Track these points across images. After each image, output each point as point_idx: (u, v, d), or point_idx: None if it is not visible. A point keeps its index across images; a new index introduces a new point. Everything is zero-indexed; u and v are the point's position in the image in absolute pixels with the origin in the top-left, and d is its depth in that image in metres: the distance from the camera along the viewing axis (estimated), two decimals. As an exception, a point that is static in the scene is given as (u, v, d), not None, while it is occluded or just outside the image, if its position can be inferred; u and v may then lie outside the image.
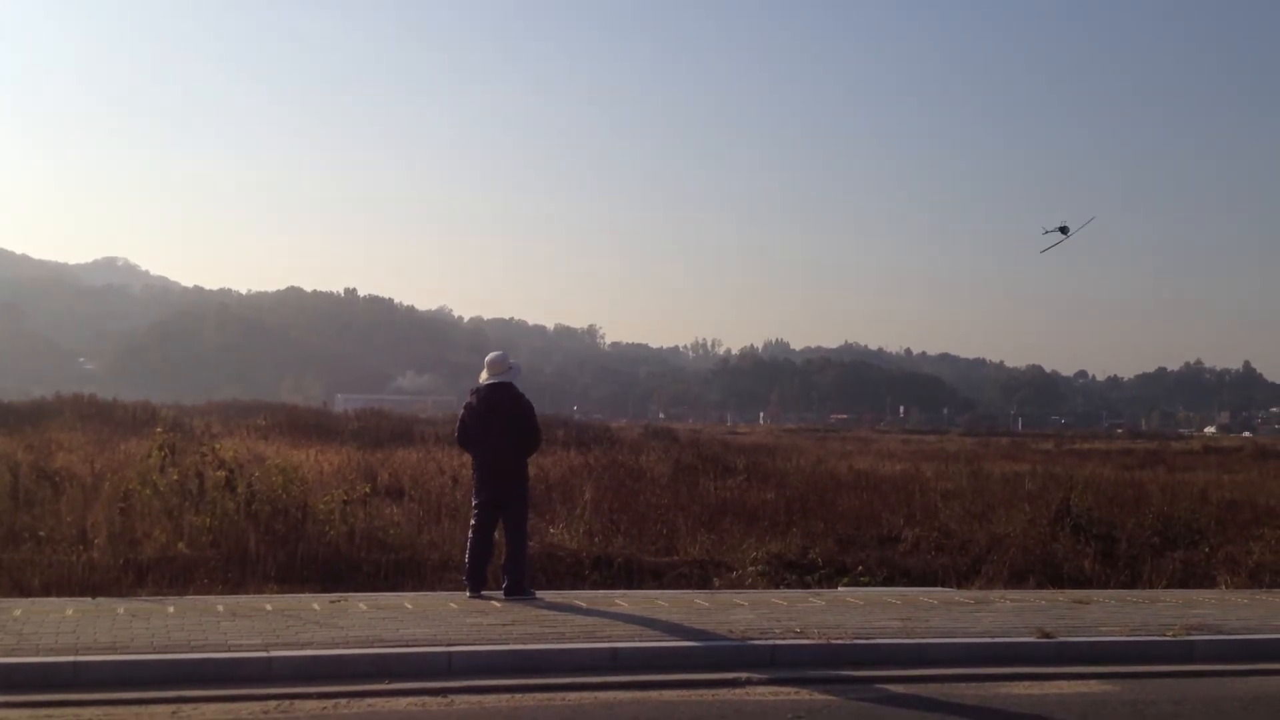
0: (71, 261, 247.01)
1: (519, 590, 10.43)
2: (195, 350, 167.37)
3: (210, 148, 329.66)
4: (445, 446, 24.05)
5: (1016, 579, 13.34)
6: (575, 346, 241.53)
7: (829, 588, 12.37)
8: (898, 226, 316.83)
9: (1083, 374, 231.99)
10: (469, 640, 8.45)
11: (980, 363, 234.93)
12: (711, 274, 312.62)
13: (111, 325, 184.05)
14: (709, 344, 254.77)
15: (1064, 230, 18.87)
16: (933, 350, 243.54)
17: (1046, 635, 9.32)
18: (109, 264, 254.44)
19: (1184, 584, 13.55)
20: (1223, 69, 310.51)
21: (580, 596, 10.79)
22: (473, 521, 10.72)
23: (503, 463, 10.57)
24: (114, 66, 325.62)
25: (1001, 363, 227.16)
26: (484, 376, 10.75)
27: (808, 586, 12.50)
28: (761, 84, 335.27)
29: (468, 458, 11.22)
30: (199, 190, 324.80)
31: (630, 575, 12.78)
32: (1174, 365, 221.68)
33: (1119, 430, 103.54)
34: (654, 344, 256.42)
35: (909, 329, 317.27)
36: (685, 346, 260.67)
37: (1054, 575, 13.68)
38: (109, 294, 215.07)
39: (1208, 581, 13.71)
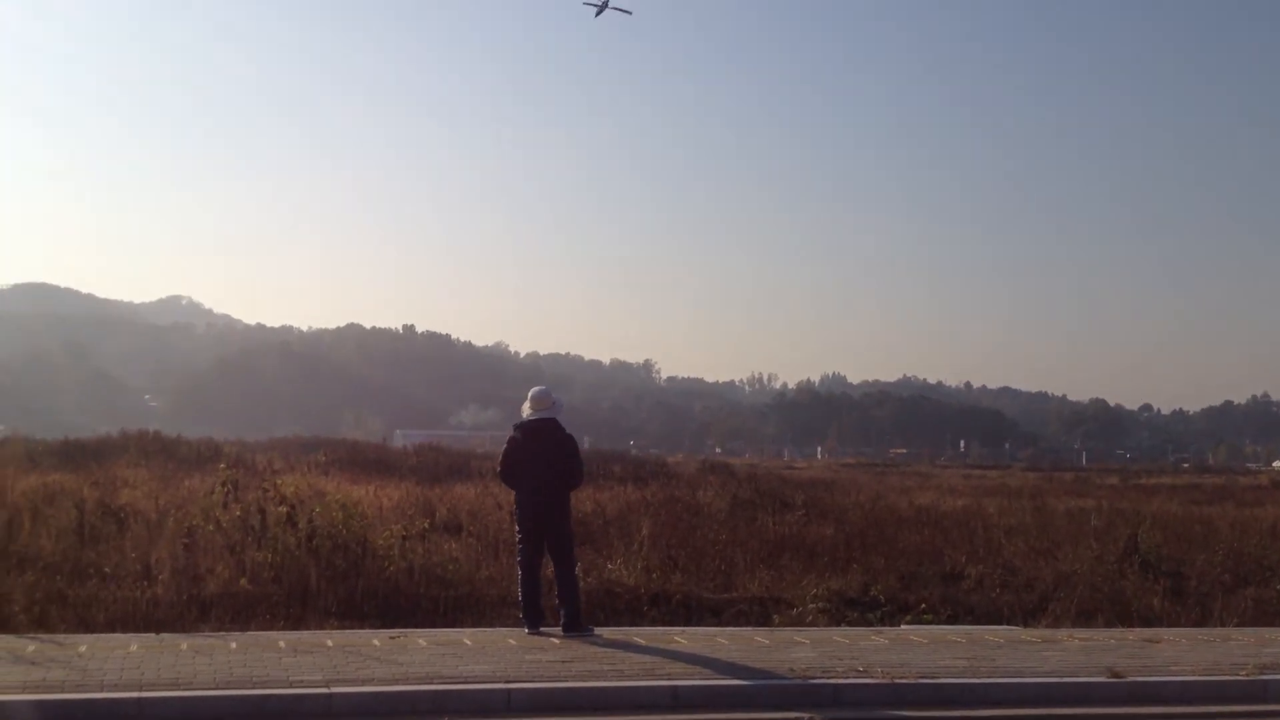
0: (137, 300, 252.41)
1: (577, 626, 10.38)
2: (257, 387, 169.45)
3: (271, 189, 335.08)
4: (501, 483, 24.07)
5: (1084, 617, 13.11)
6: (631, 381, 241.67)
7: (891, 625, 12.21)
8: (957, 259, 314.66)
9: (1147, 407, 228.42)
10: (528, 677, 8.41)
11: (1042, 396, 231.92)
12: (767, 308, 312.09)
13: (176, 363, 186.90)
14: (765, 378, 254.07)
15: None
16: (993, 384, 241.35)
17: (1117, 675, 9.12)
18: (174, 303, 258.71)
19: (1256, 622, 13.24)
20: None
21: (639, 633, 10.72)
22: (519, 558, 10.70)
23: (546, 498, 10.53)
24: (176, 111, 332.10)
25: (1064, 396, 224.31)
26: (527, 411, 10.72)
27: (870, 624, 12.35)
28: (828, 118, 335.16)
29: (514, 493, 11.15)
30: (261, 230, 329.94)
31: (689, 612, 12.71)
32: (1241, 398, 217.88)
33: (1185, 465, 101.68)
34: (710, 378, 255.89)
35: (969, 362, 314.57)
36: (741, 380, 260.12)
37: (1122, 613, 13.41)
38: (174, 332, 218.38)
39: (1281, 619, 13.39)
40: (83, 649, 9.07)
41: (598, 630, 10.61)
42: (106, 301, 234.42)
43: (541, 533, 10.56)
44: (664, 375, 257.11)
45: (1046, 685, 8.90)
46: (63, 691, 7.60)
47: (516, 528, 10.83)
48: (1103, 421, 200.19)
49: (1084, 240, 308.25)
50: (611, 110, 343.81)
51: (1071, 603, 13.53)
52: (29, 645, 9.15)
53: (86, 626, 10.60)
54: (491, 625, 11.32)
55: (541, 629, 10.45)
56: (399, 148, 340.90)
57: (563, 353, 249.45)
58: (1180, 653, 10.38)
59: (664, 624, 11.91)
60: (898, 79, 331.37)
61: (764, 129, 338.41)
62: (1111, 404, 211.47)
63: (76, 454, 32.28)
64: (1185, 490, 38.55)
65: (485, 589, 12.83)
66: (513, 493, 10.98)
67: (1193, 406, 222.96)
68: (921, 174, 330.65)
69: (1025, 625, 12.52)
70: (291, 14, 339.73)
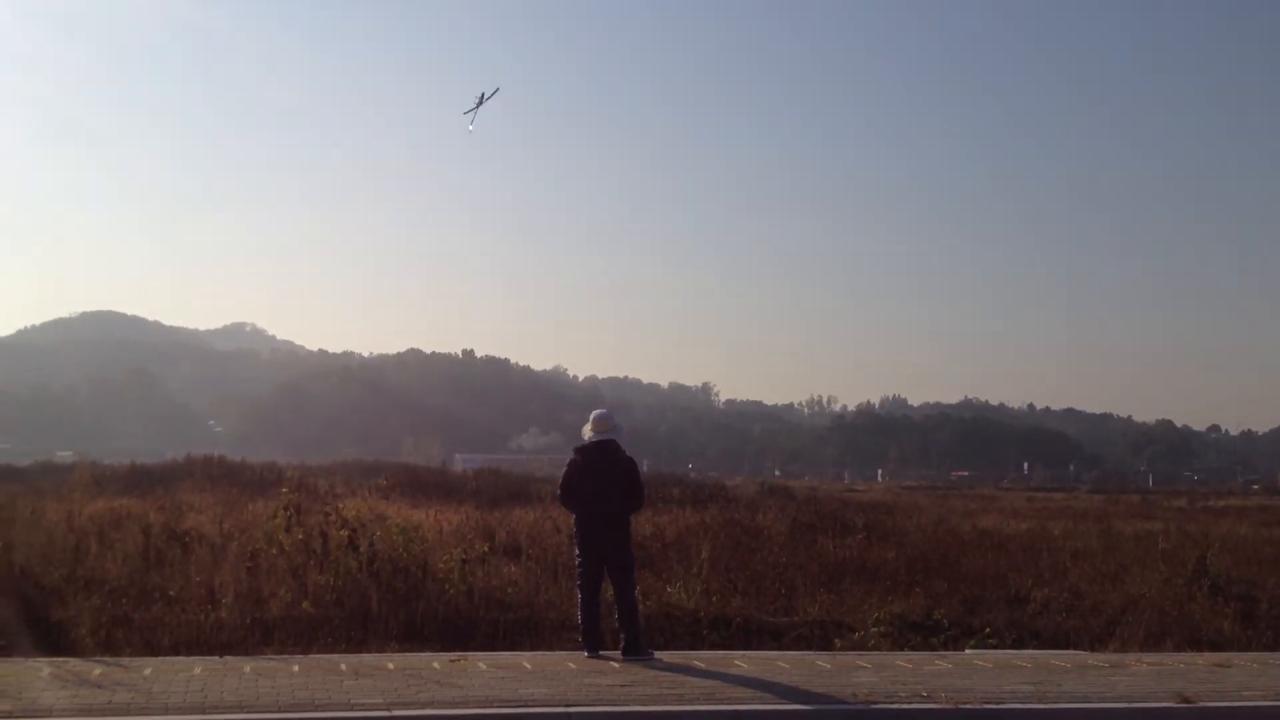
0: (202, 328, 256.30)
1: (637, 650, 10.34)
2: (319, 412, 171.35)
3: (333, 218, 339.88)
4: (559, 505, 24.11)
5: (1152, 641, 12.86)
6: (690, 404, 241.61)
7: (955, 650, 12.05)
8: (1018, 280, 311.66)
9: (1215, 428, 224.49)
10: (588, 700, 8.38)
11: (1107, 418, 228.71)
12: (826, 330, 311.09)
13: (240, 388, 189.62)
14: (824, 400, 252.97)
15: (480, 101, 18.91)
16: (1057, 405, 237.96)
17: (1186, 700, 8.93)
18: (238, 329, 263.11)
19: (1331, 646, 12.92)
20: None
21: (699, 657, 10.66)
22: (578, 581, 10.67)
23: (606, 521, 10.50)
24: (243, 144, 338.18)
25: (1130, 417, 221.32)
26: (588, 433, 10.72)
27: (933, 649, 12.19)
28: (879, 140, 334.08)
29: (574, 516, 11.11)
30: (323, 257, 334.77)
31: (748, 635, 12.62)
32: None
33: (1255, 486, 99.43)
34: (769, 401, 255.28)
35: (1031, 383, 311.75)
36: (800, 403, 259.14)
37: (1192, 637, 13.15)
38: (238, 358, 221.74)
39: (1355, 643, 13.07)
40: (148, 672, 9.17)
41: (657, 654, 10.56)
42: (172, 329, 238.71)
43: (602, 556, 10.53)
44: (723, 398, 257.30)
45: (1114, 711, 8.73)
46: (128, 714, 7.69)
47: (576, 550, 10.81)
48: (1170, 443, 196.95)
49: (1149, 259, 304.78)
50: (665, 135, 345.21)
51: (1139, 627, 13.28)
52: (95, 668, 9.27)
53: (151, 649, 10.72)
54: (551, 649, 11.30)
55: (601, 653, 10.41)
56: (457, 176, 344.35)
57: (621, 376, 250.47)
58: (1251, 677, 10.15)
59: (724, 648, 11.83)
60: (955, 101, 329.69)
61: (820, 152, 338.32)
62: (1179, 425, 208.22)
63: (142, 479, 32.80)
64: (1255, 512, 37.87)
65: (545, 612, 12.83)
66: (573, 515, 10.95)
67: (1262, 427, 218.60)
68: (983, 196, 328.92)
69: (1092, 650, 12.30)
70: (341, 49, 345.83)
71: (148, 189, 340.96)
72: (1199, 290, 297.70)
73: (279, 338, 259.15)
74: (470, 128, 20.22)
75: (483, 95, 19.48)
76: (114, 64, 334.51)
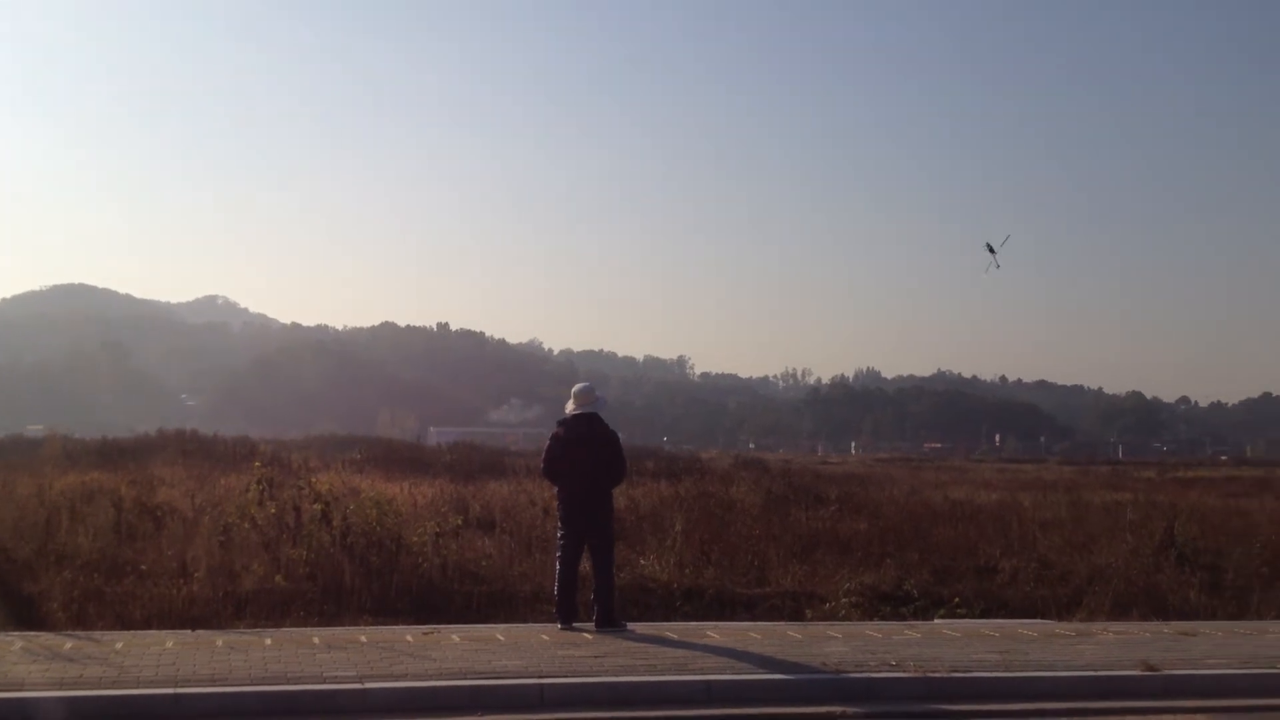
0: (174, 301, 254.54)
1: (610, 622, 10.41)
2: (293, 386, 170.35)
3: (306, 190, 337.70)
4: (536, 478, 24.12)
5: (1119, 611, 13.00)
6: (665, 377, 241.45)
7: (924, 620, 12.16)
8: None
9: (1185, 400, 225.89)
10: (561, 672, 8.44)
11: (1078, 390, 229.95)
12: (801, 303, 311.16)
13: (212, 362, 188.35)
14: (799, 373, 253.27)
15: (991, 249, 19.26)
16: (1029, 378, 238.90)
17: (1152, 668, 9.05)
18: (210, 303, 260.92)
19: (1295, 615, 13.10)
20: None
21: (672, 628, 10.73)
22: (559, 553, 10.71)
23: (589, 494, 10.55)
24: (211, 114, 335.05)
25: (1100, 389, 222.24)
26: (570, 407, 10.76)
27: (903, 618, 12.30)
28: (858, 114, 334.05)
29: (556, 489, 11.18)
30: (296, 229, 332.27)
31: (721, 607, 12.70)
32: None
33: (1223, 458, 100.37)
34: (743, 374, 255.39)
35: (1004, 356, 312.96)
36: (775, 376, 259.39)
37: (1158, 607, 13.29)
38: (210, 332, 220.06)
39: (1319, 612, 13.25)
40: (119, 645, 9.17)
41: (630, 625, 10.63)
42: (144, 302, 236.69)
43: (583, 528, 10.58)
44: (698, 371, 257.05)
45: (1080, 679, 8.85)
46: (99, 688, 7.69)
47: (559, 523, 10.85)
48: (1139, 415, 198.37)
49: (1119, 232, 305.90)
50: (642, 107, 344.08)
51: (1106, 596, 13.43)
52: (67, 642, 9.27)
53: (123, 623, 10.71)
54: (525, 621, 11.36)
55: (574, 625, 10.48)
56: (430, 148, 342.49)
57: (596, 349, 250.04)
58: (1216, 646, 10.29)
59: (697, 619, 11.91)
60: (928, 73, 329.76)
61: (795, 125, 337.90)
62: (1148, 397, 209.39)
63: (114, 453, 32.67)
64: (1223, 483, 38.19)
65: (518, 585, 12.88)
66: (554, 488, 11.00)
67: (1231, 399, 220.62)
68: (954, 167, 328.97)
69: (1060, 619, 12.43)
70: (318, 18, 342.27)
71: (117, 161, 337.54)
72: (1170, 264, 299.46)
73: (251, 310, 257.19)
74: (995, 268, 21.21)
75: (1003, 241, 20.23)
76: (82, 34, 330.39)
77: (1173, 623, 12.06)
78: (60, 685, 7.71)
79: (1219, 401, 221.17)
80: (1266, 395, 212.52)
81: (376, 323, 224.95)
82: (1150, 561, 14.90)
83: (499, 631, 10.28)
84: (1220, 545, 15.99)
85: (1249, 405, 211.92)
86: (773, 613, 12.60)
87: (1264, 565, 14.94)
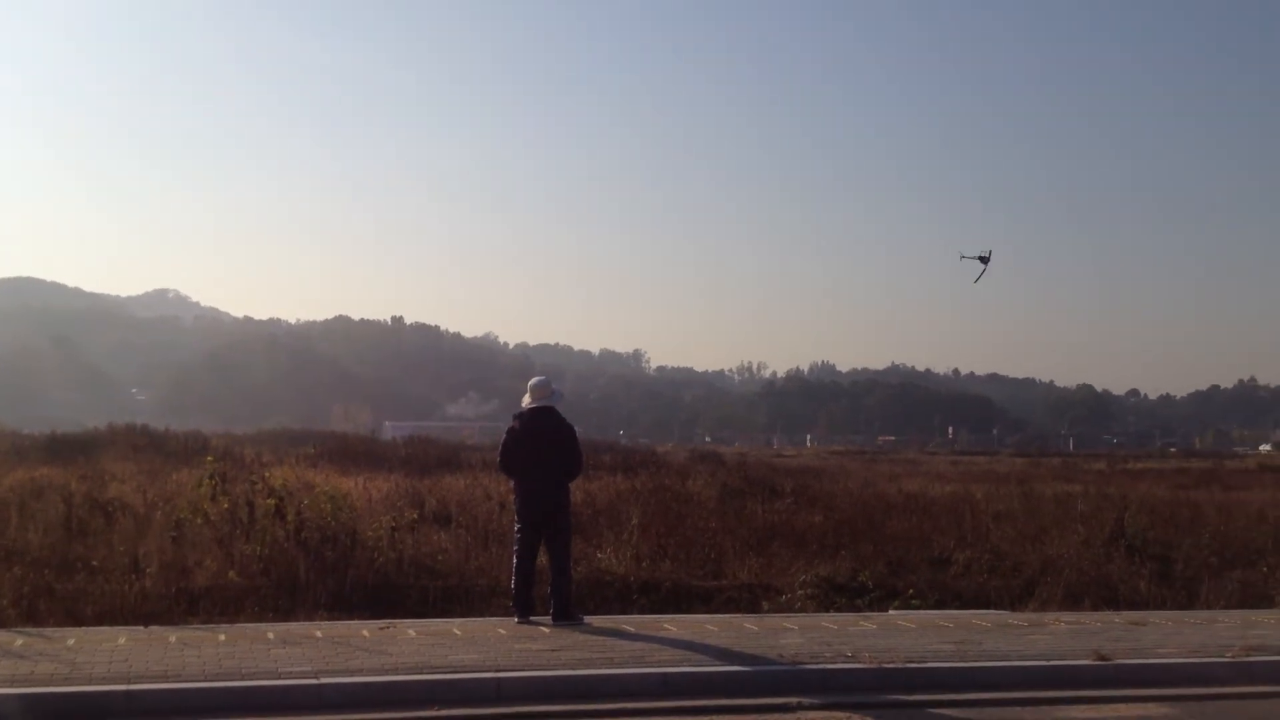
0: (123, 294, 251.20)
1: (567, 615, 10.40)
2: (246, 380, 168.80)
3: (257, 181, 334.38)
4: (492, 472, 24.08)
5: (1071, 601, 13.16)
6: (621, 371, 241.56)
7: (879, 611, 12.26)
8: (942, 247, 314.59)
9: (1135, 393, 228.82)
10: (518, 666, 8.43)
11: (1030, 383, 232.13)
12: (756, 297, 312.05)
13: (163, 356, 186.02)
14: (754, 367, 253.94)
15: (984, 259, 19.47)
16: (981, 370, 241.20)
17: (1103, 658, 9.16)
18: (160, 296, 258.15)
19: (1242, 604, 13.31)
20: None
21: (628, 621, 10.74)
22: (515, 547, 10.70)
23: (545, 488, 10.54)
24: (160, 105, 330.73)
25: (1051, 382, 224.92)
26: (526, 401, 10.75)
27: (858, 610, 12.40)
28: (821, 108, 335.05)
29: (513, 483, 11.16)
30: (248, 222, 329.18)
31: (678, 600, 12.74)
32: (1228, 383, 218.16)
33: (1172, 449, 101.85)
34: (699, 367, 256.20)
35: (957, 349, 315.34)
36: (730, 370, 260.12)
37: (1109, 597, 13.48)
38: (160, 325, 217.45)
39: (1266, 601, 13.48)
40: (71, 642, 9.06)
41: (587, 619, 10.63)
42: (93, 295, 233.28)
43: (541, 522, 10.57)
44: (654, 365, 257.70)
45: (1033, 668, 8.94)
46: (51, 684, 7.60)
47: (516, 517, 10.83)
48: (1090, 407, 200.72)
49: (1070, 228, 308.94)
50: (604, 100, 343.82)
51: (1058, 587, 13.59)
52: (17, 639, 9.15)
53: (75, 620, 10.58)
54: (481, 615, 11.32)
55: (531, 618, 10.46)
56: (387, 139, 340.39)
57: (552, 343, 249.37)
58: (1166, 635, 10.44)
59: (654, 612, 11.94)
60: (894, 67, 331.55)
61: (755, 120, 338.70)
62: (1099, 389, 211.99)
63: (64, 448, 32.18)
64: (1172, 474, 38.77)
65: (475, 579, 12.84)
66: (512, 482, 10.98)
67: (1180, 391, 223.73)
68: (910, 163, 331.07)
69: (1012, 609, 12.57)
70: (275, 10, 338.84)
71: (65, 153, 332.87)
72: (1119, 260, 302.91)
73: (202, 304, 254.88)
74: (974, 282, 21.23)
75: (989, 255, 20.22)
76: (33, 25, 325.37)
77: (1124, 613, 12.23)
78: (11, 682, 7.60)
79: (1168, 394, 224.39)
80: (1215, 388, 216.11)
81: (330, 316, 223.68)
82: (1101, 552, 15.09)
83: (456, 626, 10.25)
84: (1169, 536, 16.22)
85: (1197, 398, 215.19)
86: (729, 605, 12.65)
87: (1212, 555, 15.18)
